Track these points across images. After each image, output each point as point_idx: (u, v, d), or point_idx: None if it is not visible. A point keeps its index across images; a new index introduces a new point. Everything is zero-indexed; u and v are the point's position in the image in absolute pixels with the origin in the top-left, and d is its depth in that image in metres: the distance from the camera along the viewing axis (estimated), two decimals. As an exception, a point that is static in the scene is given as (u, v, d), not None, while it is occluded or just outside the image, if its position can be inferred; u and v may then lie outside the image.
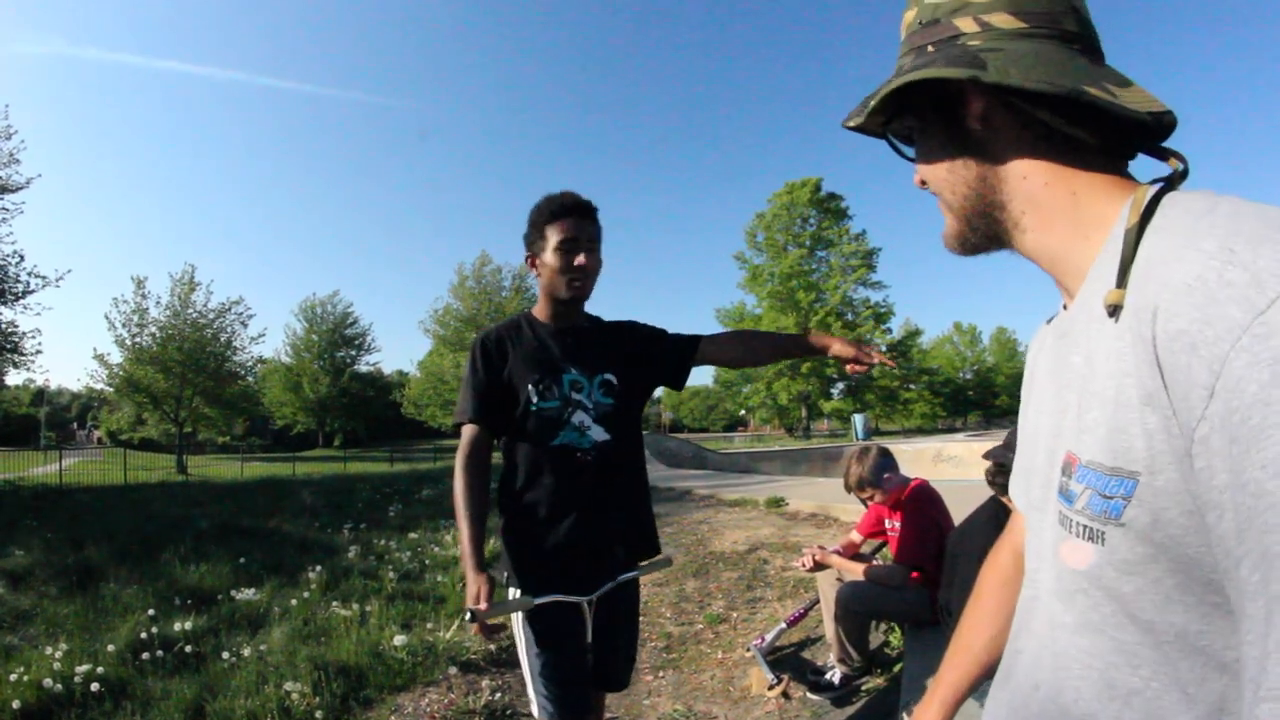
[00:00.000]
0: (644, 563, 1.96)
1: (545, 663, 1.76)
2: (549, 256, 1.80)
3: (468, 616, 1.57)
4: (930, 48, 0.67)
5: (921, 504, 3.15)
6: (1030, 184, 0.65)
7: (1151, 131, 0.62)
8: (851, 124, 0.75)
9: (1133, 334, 0.52)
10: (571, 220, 1.79)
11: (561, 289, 1.82)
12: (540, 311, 1.93)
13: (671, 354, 1.99)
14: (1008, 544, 0.94)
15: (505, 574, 1.84)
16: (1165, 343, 0.48)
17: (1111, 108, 0.58)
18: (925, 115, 0.71)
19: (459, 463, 1.79)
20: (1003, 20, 0.64)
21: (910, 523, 3.13)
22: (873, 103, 0.70)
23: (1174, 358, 0.48)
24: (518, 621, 1.81)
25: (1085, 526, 0.57)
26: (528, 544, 1.81)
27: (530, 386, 1.80)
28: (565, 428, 1.80)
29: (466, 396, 1.84)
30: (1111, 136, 0.64)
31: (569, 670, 1.77)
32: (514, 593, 1.81)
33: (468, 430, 1.82)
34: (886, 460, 3.25)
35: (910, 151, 0.77)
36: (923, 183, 0.76)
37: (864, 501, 3.41)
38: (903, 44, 0.72)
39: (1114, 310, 0.55)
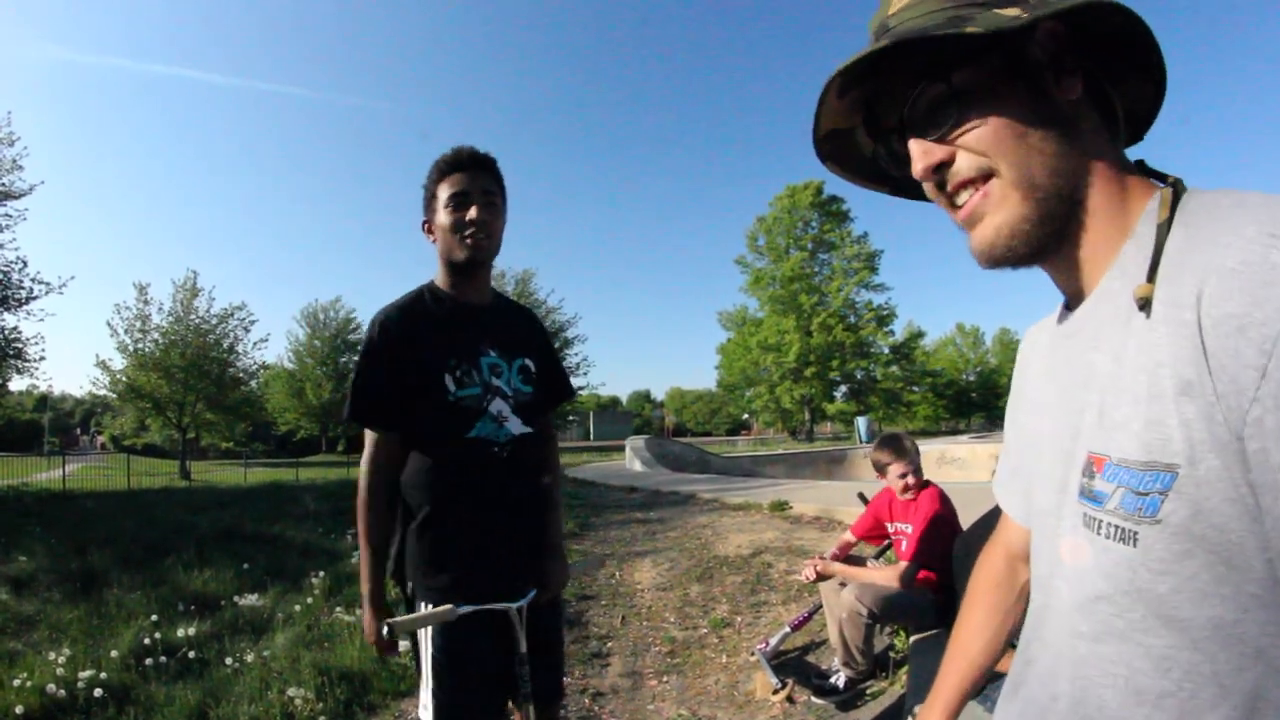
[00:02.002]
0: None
1: (448, 682, 1.58)
2: (440, 218, 1.63)
3: (384, 630, 1.41)
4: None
5: (939, 506, 3.15)
6: (1098, 172, 0.61)
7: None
8: (971, 29, 0.56)
9: (1168, 324, 0.51)
10: (462, 174, 1.62)
11: (456, 249, 1.62)
12: (443, 283, 1.70)
13: (551, 387, 1.85)
14: (999, 546, 0.93)
15: (410, 586, 1.65)
16: (1211, 326, 0.48)
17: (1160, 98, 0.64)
18: (1004, 72, 0.61)
19: (365, 479, 1.61)
20: None
21: (925, 522, 3.13)
22: (1039, 11, 0.55)
23: (1221, 341, 0.47)
24: (424, 633, 1.62)
25: (1117, 527, 0.55)
26: (437, 548, 1.61)
27: (447, 374, 1.59)
28: (482, 418, 1.60)
29: (369, 392, 1.59)
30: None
31: (476, 690, 1.60)
32: (424, 606, 1.61)
33: (374, 438, 1.61)
34: (918, 448, 3.30)
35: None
36: (938, 166, 0.63)
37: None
38: (918, 5, 0.62)
39: (1145, 304, 0.54)
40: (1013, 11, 0.57)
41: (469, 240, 1.61)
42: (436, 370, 1.58)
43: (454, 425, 1.58)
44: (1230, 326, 0.47)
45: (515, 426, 1.65)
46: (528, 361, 1.73)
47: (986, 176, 0.62)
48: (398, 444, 1.61)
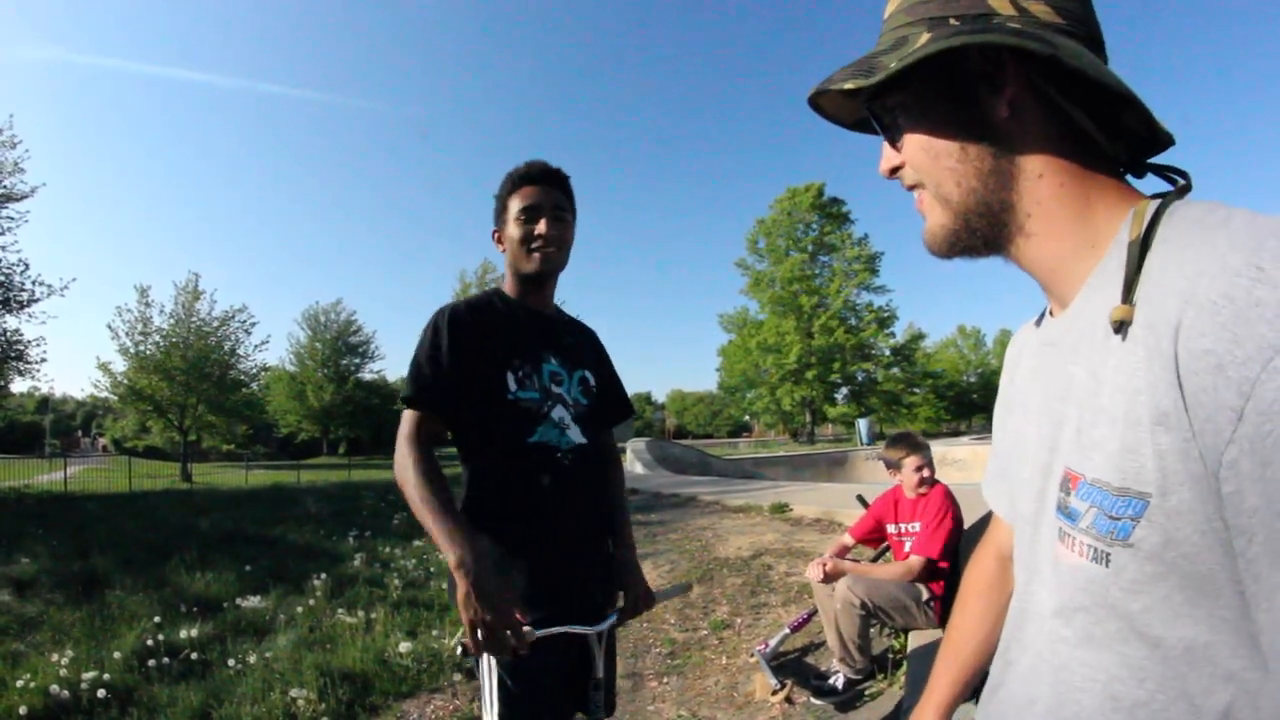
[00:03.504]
0: (666, 587, 1.75)
1: (518, 703, 1.44)
2: (510, 229, 1.63)
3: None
4: (954, 20, 0.61)
5: (951, 504, 3.19)
6: (1045, 185, 0.61)
7: (1155, 147, 0.62)
8: (850, 85, 0.63)
9: (1147, 350, 0.50)
10: (535, 188, 1.62)
11: (524, 261, 1.62)
12: (511, 290, 1.70)
13: (611, 404, 1.82)
14: (991, 547, 0.94)
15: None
16: (1188, 361, 0.46)
17: (1152, 117, 0.58)
18: (932, 92, 0.64)
19: (411, 447, 1.43)
20: (1041, 10, 0.59)
21: (936, 518, 3.16)
22: (895, 66, 0.59)
23: (1198, 378, 0.46)
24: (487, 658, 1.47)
25: (1090, 547, 0.55)
26: (504, 558, 1.46)
27: (509, 373, 1.56)
28: (544, 423, 1.57)
29: (425, 373, 1.50)
30: (1128, 148, 0.63)
31: (544, 711, 1.48)
32: None
33: (415, 417, 1.48)
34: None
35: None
36: (893, 170, 0.70)
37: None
38: (898, 15, 0.65)
39: (1120, 326, 0.53)
40: (924, 37, 0.60)
41: (537, 254, 1.62)
42: (499, 366, 1.56)
43: (515, 428, 1.55)
44: (1208, 363, 0.45)
45: (576, 436, 1.62)
46: (587, 374, 1.72)
47: (921, 184, 0.68)
48: (437, 426, 1.53)
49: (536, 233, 1.60)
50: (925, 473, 3.24)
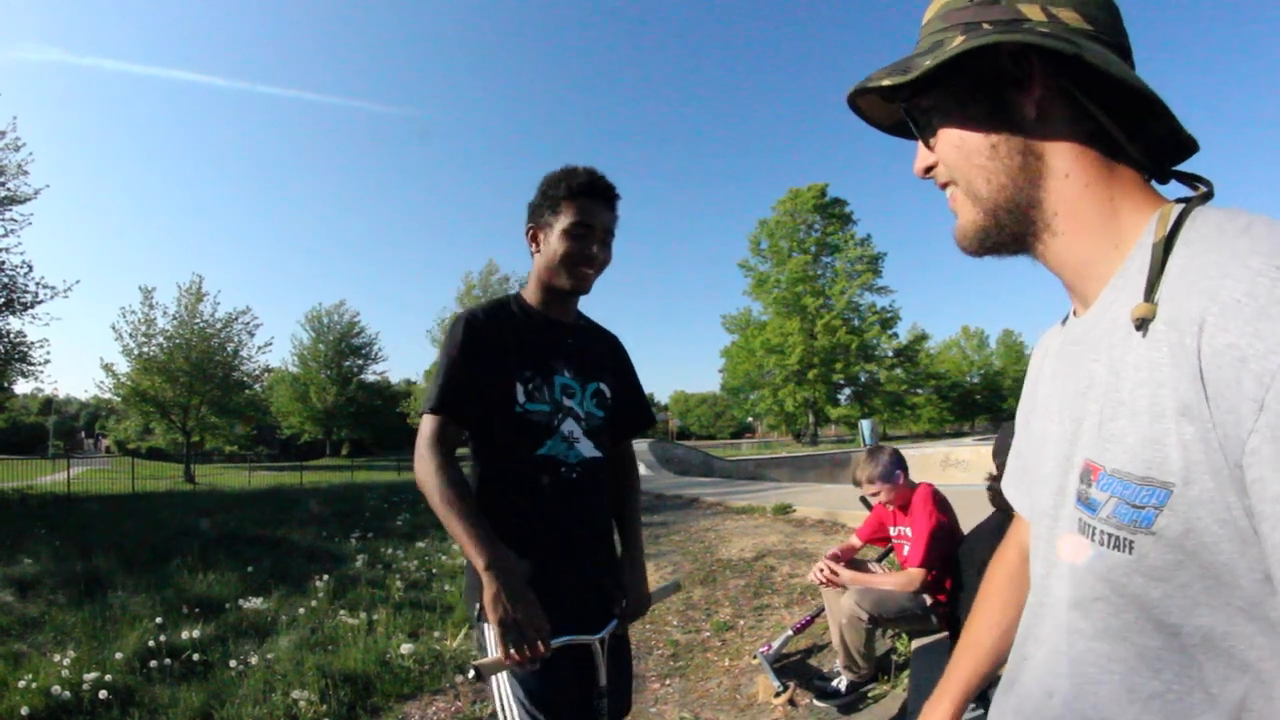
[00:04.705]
0: (654, 589, 1.75)
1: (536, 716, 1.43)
2: (555, 239, 1.55)
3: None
4: (987, 25, 0.63)
5: (932, 507, 3.15)
6: (1071, 184, 0.63)
7: (1179, 153, 0.65)
8: (887, 82, 0.65)
9: (1170, 346, 0.52)
10: (591, 203, 1.56)
11: (562, 278, 1.57)
12: (531, 297, 1.66)
13: (631, 415, 1.80)
14: (1014, 542, 0.95)
15: (477, 608, 1.47)
16: (1211, 355, 0.49)
17: (1176, 122, 0.61)
18: (964, 93, 0.67)
19: (434, 453, 1.45)
20: (1070, 17, 0.62)
21: (923, 526, 3.13)
22: (930, 64, 0.62)
23: (1220, 370, 0.48)
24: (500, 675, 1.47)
25: (1111, 535, 0.57)
26: None
27: (519, 385, 1.54)
28: (553, 436, 1.55)
29: (446, 382, 1.50)
30: (1150, 153, 0.65)
31: None
32: (489, 632, 1.44)
33: (435, 421, 1.49)
34: (898, 460, 3.30)
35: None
36: (927, 170, 0.72)
37: (866, 502, 3.43)
38: (935, 21, 0.68)
39: (1142, 323, 0.55)
40: (958, 39, 0.63)
41: (577, 277, 1.58)
42: (509, 377, 1.54)
43: (522, 440, 1.54)
44: (1231, 357, 0.47)
45: (587, 449, 1.60)
46: (603, 386, 1.69)
47: (953, 182, 0.71)
48: (456, 431, 1.53)
49: (585, 253, 1.55)
50: (883, 497, 3.27)
